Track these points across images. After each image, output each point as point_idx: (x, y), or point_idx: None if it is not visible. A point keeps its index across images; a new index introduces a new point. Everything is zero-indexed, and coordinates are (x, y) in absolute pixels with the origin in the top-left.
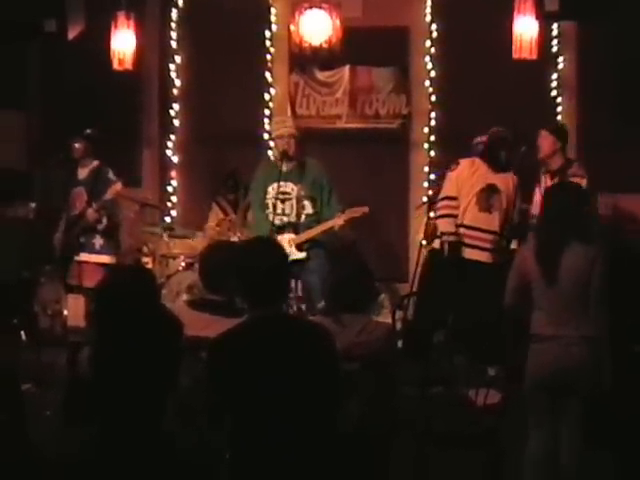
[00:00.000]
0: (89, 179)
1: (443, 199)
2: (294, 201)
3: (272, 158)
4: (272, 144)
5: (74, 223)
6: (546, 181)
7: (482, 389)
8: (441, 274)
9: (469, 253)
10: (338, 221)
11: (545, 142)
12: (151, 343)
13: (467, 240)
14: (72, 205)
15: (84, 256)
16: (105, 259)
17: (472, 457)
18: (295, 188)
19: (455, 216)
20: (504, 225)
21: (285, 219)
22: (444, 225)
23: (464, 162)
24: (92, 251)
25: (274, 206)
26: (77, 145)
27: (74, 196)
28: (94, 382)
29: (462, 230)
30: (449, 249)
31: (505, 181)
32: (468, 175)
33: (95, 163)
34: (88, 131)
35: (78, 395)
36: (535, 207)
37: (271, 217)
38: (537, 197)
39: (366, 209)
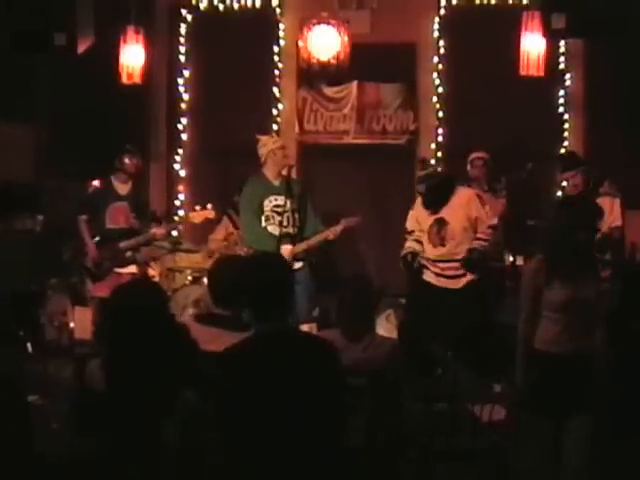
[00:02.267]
0: (131, 195)
1: (407, 232)
2: (289, 213)
3: (266, 174)
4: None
5: (116, 236)
6: None
7: (487, 405)
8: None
9: (434, 279)
10: (335, 229)
11: (577, 179)
12: (160, 354)
13: (431, 267)
14: (113, 219)
15: (131, 268)
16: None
17: (477, 473)
18: (288, 202)
19: (419, 242)
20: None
21: (284, 230)
22: (407, 245)
23: (417, 201)
24: (136, 263)
25: (272, 218)
26: (128, 161)
27: (114, 211)
28: (105, 393)
29: (428, 263)
30: (405, 264)
31: (452, 211)
32: (420, 212)
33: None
34: (128, 146)
35: (88, 406)
36: None
37: (271, 228)
38: None
39: (359, 219)
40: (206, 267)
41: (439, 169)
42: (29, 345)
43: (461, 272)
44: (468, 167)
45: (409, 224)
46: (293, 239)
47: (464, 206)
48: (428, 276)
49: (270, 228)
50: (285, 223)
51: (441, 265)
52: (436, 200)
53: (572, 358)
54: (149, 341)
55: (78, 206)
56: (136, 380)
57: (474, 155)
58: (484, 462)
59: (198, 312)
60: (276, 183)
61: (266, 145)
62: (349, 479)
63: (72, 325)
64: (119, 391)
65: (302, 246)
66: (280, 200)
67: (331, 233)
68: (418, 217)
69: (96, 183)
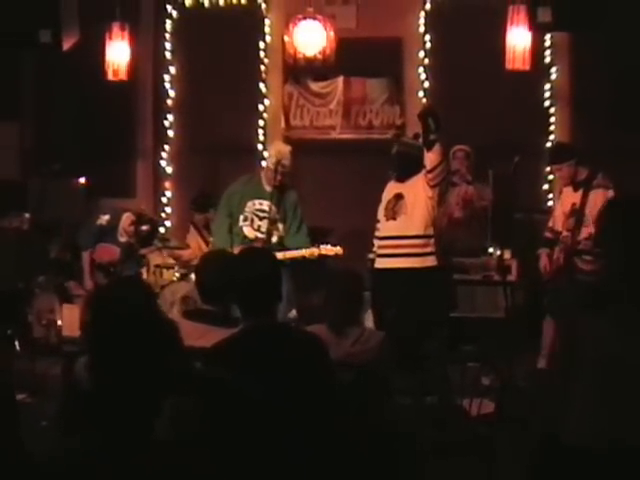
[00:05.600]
0: (126, 244)
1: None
2: (269, 221)
3: (262, 177)
4: (266, 163)
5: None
6: (567, 192)
7: (476, 399)
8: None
9: (387, 263)
10: (313, 252)
11: (563, 173)
12: (148, 350)
13: (382, 251)
14: (99, 254)
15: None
16: None
17: (466, 465)
18: (273, 209)
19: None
20: (423, 227)
21: (259, 235)
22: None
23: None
24: None
25: (252, 220)
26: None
27: (104, 249)
28: (93, 391)
29: (380, 247)
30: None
31: (412, 185)
32: (385, 195)
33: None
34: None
35: (75, 404)
36: (556, 221)
37: (247, 230)
38: (558, 211)
39: (339, 250)
40: (194, 264)
41: (418, 142)
42: (17, 343)
43: (419, 251)
44: (450, 160)
45: (379, 212)
46: (265, 245)
47: (418, 188)
48: (381, 263)
49: (246, 230)
50: (263, 229)
51: (393, 242)
52: (404, 168)
53: (609, 456)
54: (134, 339)
55: (87, 237)
56: (122, 379)
57: (455, 147)
58: (473, 454)
59: (187, 308)
60: (268, 188)
61: (269, 154)
62: (338, 473)
63: (60, 323)
64: (105, 390)
65: (278, 255)
66: (266, 205)
67: (307, 253)
68: (383, 201)
69: (106, 217)
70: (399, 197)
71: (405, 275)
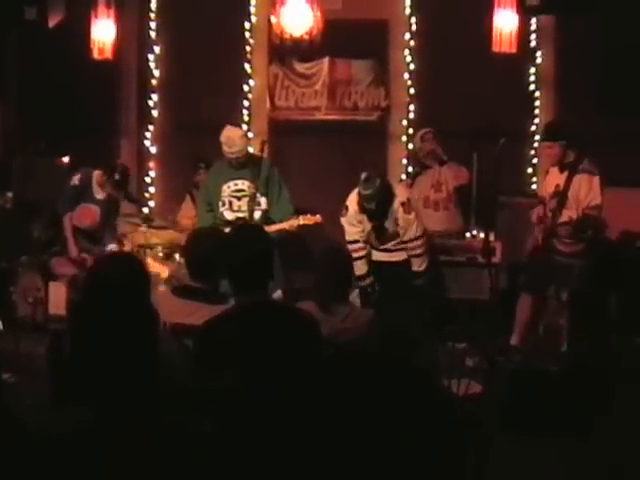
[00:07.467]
0: (106, 200)
1: (349, 242)
2: (249, 198)
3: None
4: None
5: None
6: (553, 173)
7: (463, 380)
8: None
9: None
10: (293, 223)
11: (554, 151)
12: (134, 329)
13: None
14: (79, 219)
15: None
16: None
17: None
18: (251, 185)
19: (364, 257)
20: (421, 229)
21: (240, 215)
22: (357, 269)
23: (350, 208)
24: None
25: (230, 203)
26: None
27: (83, 211)
28: (78, 366)
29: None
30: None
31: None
32: (358, 219)
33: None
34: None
35: (64, 379)
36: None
37: (227, 213)
38: (545, 190)
39: (319, 219)
40: (178, 243)
41: (377, 180)
42: (0, 323)
43: (422, 251)
44: (419, 144)
45: (352, 233)
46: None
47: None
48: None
49: (226, 214)
50: (244, 208)
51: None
52: (383, 212)
53: None
54: (125, 315)
55: (64, 201)
56: (107, 353)
57: (422, 131)
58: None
59: (176, 285)
60: (240, 168)
61: (223, 142)
62: (329, 452)
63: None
64: (90, 364)
65: None
66: (241, 184)
67: (287, 225)
68: (357, 222)
69: (78, 176)
70: (381, 229)
71: (409, 272)
